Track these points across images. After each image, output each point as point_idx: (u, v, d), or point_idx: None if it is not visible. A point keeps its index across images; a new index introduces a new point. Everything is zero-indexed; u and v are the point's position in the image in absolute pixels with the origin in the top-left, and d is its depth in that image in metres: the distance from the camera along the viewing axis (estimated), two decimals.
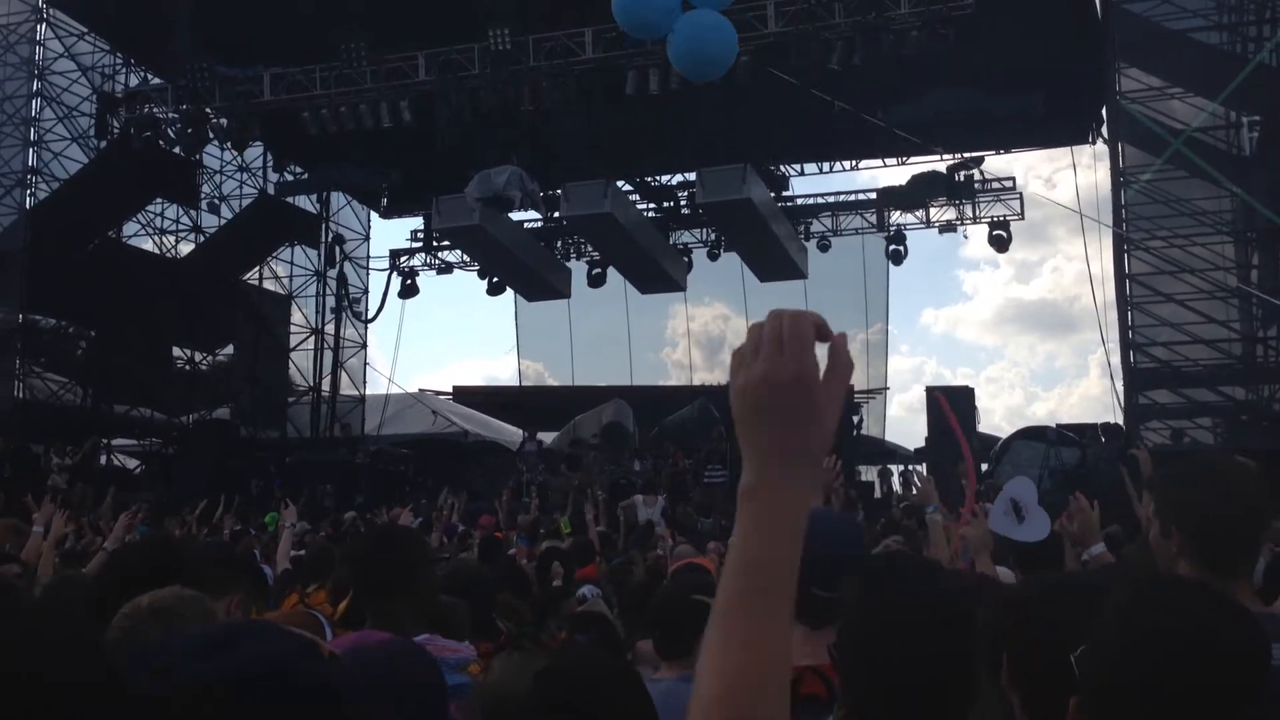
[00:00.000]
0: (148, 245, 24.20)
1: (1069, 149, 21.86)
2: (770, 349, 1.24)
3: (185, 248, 24.81)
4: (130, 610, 2.53)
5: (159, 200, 23.87)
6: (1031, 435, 18.61)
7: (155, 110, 20.27)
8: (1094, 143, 21.62)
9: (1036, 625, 1.85)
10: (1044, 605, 1.90)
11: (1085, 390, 52.68)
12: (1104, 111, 18.65)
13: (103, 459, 21.83)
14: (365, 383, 27.24)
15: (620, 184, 22.06)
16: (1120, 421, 17.48)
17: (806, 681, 2.43)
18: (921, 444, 21.22)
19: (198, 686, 1.06)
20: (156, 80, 21.21)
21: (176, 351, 24.93)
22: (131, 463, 23.99)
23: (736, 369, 1.26)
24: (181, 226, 24.62)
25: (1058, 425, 18.81)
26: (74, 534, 9.27)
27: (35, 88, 21.06)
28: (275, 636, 1.18)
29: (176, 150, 21.06)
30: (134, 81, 21.71)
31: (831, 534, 2.72)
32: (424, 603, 3.14)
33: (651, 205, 24.87)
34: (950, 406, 19.11)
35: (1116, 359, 17.40)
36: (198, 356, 25.56)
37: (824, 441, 1.24)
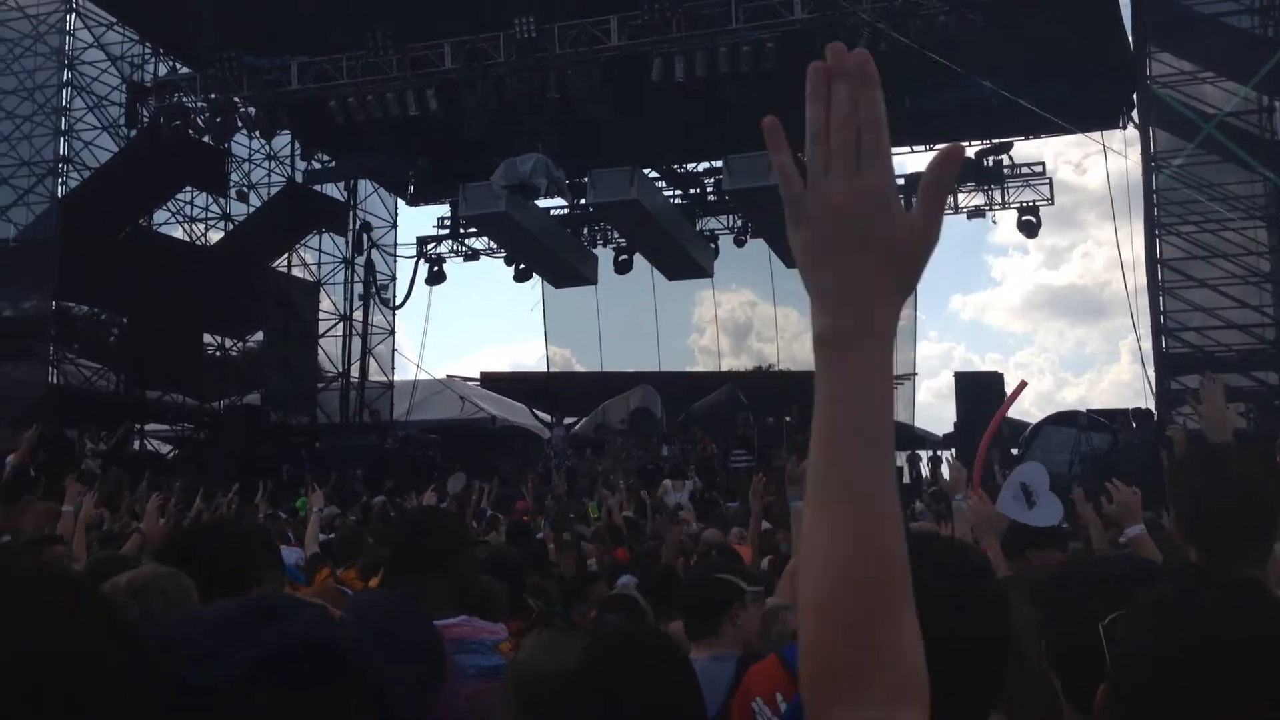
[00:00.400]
0: (178, 233, 24.43)
1: (1099, 134, 21.68)
2: (845, 161, 1.07)
3: (215, 235, 25.02)
4: (109, 589, 2.52)
5: (188, 188, 24.06)
6: (1062, 420, 18.50)
7: (184, 99, 20.43)
8: (1124, 128, 21.43)
9: (1074, 609, 1.84)
10: (1082, 588, 1.90)
11: (1116, 376, 52.37)
12: (1134, 96, 18.46)
13: (136, 444, 22.05)
14: (394, 369, 27.43)
15: (646, 171, 22.05)
16: (1152, 407, 17.37)
17: None
18: (950, 429, 21.16)
19: (247, 672, 1.06)
20: (185, 70, 21.34)
21: (207, 338, 25.13)
22: (164, 448, 24.22)
23: (799, 193, 1.10)
24: (211, 214, 24.83)
25: (1088, 410, 18.70)
26: (109, 517, 9.37)
27: (65, 77, 21.22)
28: (300, 608, 1.19)
29: (205, 139, 21.21)
30: (163, 71, 21.87)
31: None
32: (463, 584, 3.17)
33: (678, 192, 24.85)
34: (988, 396, 19.06)
35: (1148, 344, 17.29)
36: (228, 343, 25.75)
37: (914, 272, 1.08)
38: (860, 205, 1.06)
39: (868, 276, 1.06)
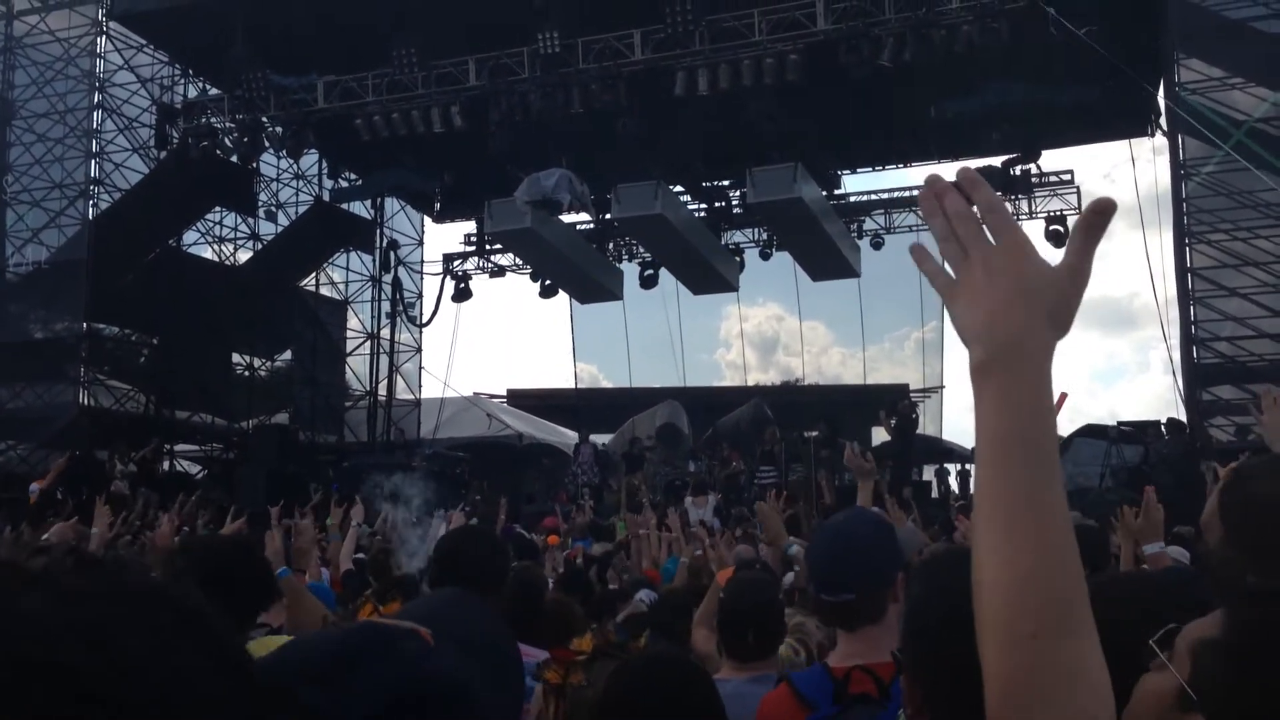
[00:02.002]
0: (207, 253, 24.62)
1: (1127, 142, 21.53)
2: (977, 240, 1.14)
3: (243, 255, 25.18)
4: None
5: (217, 209, 24.24)
6: (1092, 433, 18.32)
7: (213, 120, 20.61)
8: (1153, 135, 21.25)
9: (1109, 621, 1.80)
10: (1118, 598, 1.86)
11: (1146, 387, 51.92)
12: (1163, 103, 18.31)
13: (165, 464, 22.19)
14: (420, 387, 27.49)
15: (670, 185, 22.05)
16: (1183, 417, 17.16)
17: (856, 681, 2.41)
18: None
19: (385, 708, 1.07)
20: (214, 90, 21.54)
21: (236, 357, 25.29)
22: (194, 468, 24.36)
23: (948, 282, 1.17)
24: (240, 234, 24.99)
25: (1119, 422, 18.50)
26: (130, 535, 9.40)
27: (96, 100, 21.44)
28: (407, 638, 1.19)
29: (234, 159, 21.38)
30: (192, 92, 22.06)
31: (834, 539, 2.71)
32: (509, 604, 3.15)
33: (702, 205, 24.83)
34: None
35: (1178, 355, 17.09)
36: (256, 362, 25.91)
37: (1066, 310, 1.14)
38: (1003, 259, 1.13)
39: (1018, 314, 1.11)
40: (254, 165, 23.07)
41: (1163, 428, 17.65)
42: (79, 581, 0.74)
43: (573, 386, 30.88)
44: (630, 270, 25.83)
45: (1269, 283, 16.47)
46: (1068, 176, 23.81)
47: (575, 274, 23.98)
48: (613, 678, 2.09)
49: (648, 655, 2.58)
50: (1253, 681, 1.26)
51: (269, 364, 26.52)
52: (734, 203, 24.45)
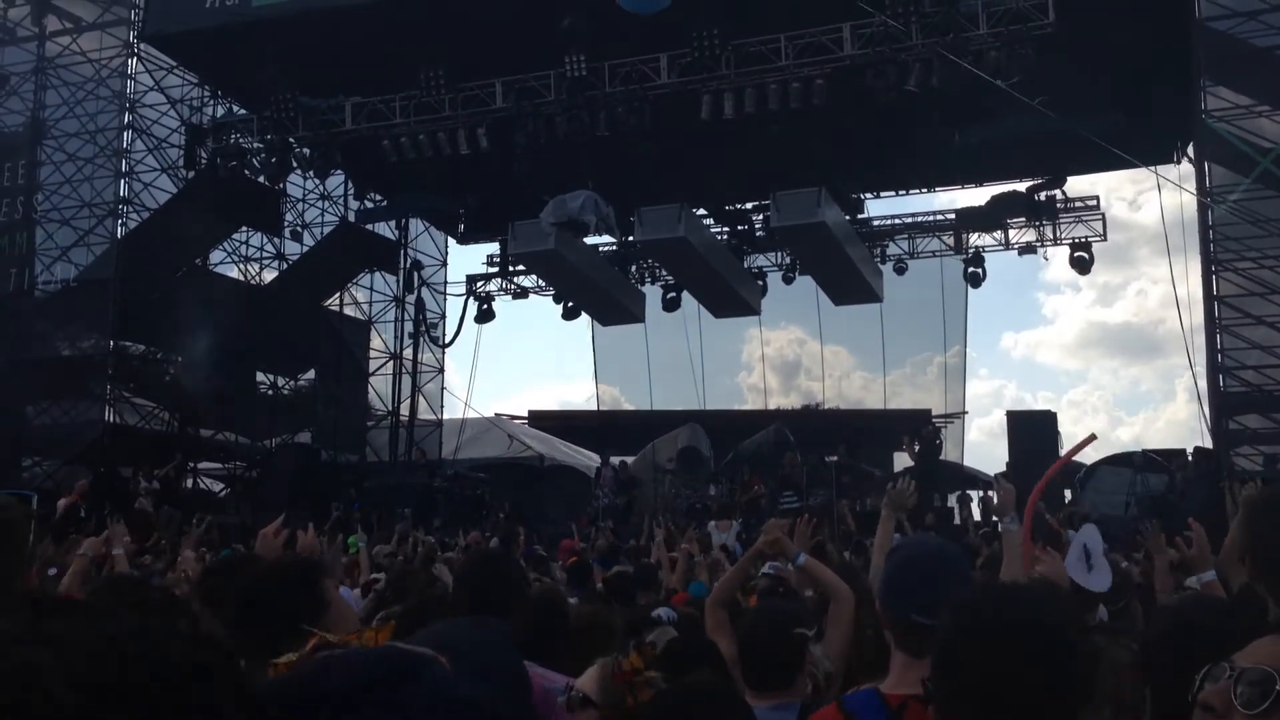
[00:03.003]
0: (233, 273, 24.77)
1: (1153, 169, 21.44)
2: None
3: (269, 275, 25.35)
4: None
5: (244, 228, 24.42)
6: (1117, 461, 18.17)
7: (241, 140, 20.78)
8: (1179, 162, 21.17)
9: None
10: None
11: (1172, 415, 51.41)
12: (1189, 130, 18.25)
13: (188, 482, 22.30)
14: (442, 407, 27.57)
15: (694, 208, 22.09)
16: (1210, 446, 17.01)
17: (911, 711, 2.38)
18: (1002, 469, 20.84)
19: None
20: (242, 111, 21.74)
21: (260, 376, 25.42)
22: (217, 486, 24.47)
23: None
24: (265, 254, 25.16)
25: (1144, 450, 18.35)
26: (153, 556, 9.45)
27: (126, 120, 21.67)
28: (430, 664, 1.19)
29: (261, 179, 21.55)
30: (220, 113, 22.27)
31: (929, 559, 2.67)
32: (530, 626, 3.15)
33: (725, 228, 24.86)
34: (1041, 435, 18.81)
35: (1204, 383, 16.96)
36: (280, 381, 26.05)
37: None
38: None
39: None
40: (281, 186, 23.24)
41: (1189, 456, 17.51)
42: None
43: (594, 408, 30.90)
44: (653, 293, 25.87)
45: None
46: (1093, 202, 23.73)
47: (598, 296, 24.02)
48: (654, 707, 2.08)
49: (688, 684, 2.57)
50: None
51: (292, 383, 26.66)
52: (757, 226, 24.47)
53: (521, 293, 27.17)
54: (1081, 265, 23.39)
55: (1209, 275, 16.64)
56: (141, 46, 21.57)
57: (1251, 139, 16.55)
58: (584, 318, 26.38)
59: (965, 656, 1.82)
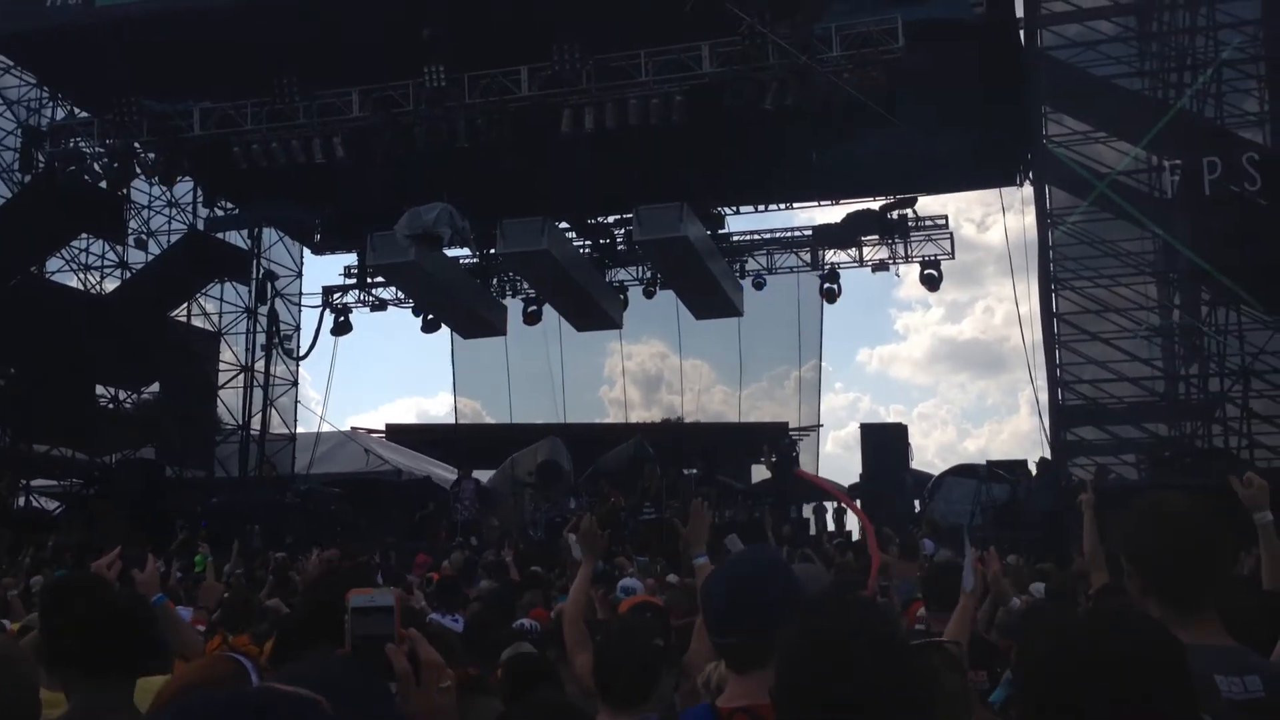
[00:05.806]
0: (72, 282, 23.65)
1: (999, 191, 22.29)
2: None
3: (110, 284, 24.28)
4: None
5: (84, 236, 23.36)
6: (963, 472, 18.84)
7: (81, 144, 19.93)
8: (1021, 185, 22.06)
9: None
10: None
11: (1015, 427, 53.53)
12: (1032, 155, 19.04)
13: (21, 500, 21.19)
14: (296, 421, 26.80)
15: (557, 221, 22.03)
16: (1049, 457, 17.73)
17: None
18: (856, 480, 21.36)
19: None
20: (84, 114, 20.84)
21: (100, 389, 24.32)
22: (51, 504, 23.31)
23: None
24: (107, 263, 24.10)
25: (988, 462, 19.05)
26: None
27: None
28: (288, 701, 1.12)
29: (102, 184, 20.68)
30: (60, 115, 21.31)
31: (730, 580, 2.69)
32: None
33: (587, 242, 24.87)
34: (892, 447, 19.31)
35: (1045, 396, 17.67)
36: (122, 394, 24.98)
37: None
38: None
39: None
40: (124, 192, 22.33)
41: (1032, 467, 18.22)
42: None
43: (453, 422, 30.50)
44: (514, 306, 25.70)
45: (1129, 328, 17.20)
46: (942, 222, 24.52)
47: (458, 308, 23.76)
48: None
49: (535, 704, 2.51)
50: None
51: (135, 396, 25.58)
52: (619, 240, 24.55)
53: (380, 305, 26.66)
54: (931, 283, 24.12)
55: (1048, 294, 17.37)
56: None
57: (1090, 164, 17.36)
58: (444, 330, 26.04)
59: (805, 665, 1.83)
